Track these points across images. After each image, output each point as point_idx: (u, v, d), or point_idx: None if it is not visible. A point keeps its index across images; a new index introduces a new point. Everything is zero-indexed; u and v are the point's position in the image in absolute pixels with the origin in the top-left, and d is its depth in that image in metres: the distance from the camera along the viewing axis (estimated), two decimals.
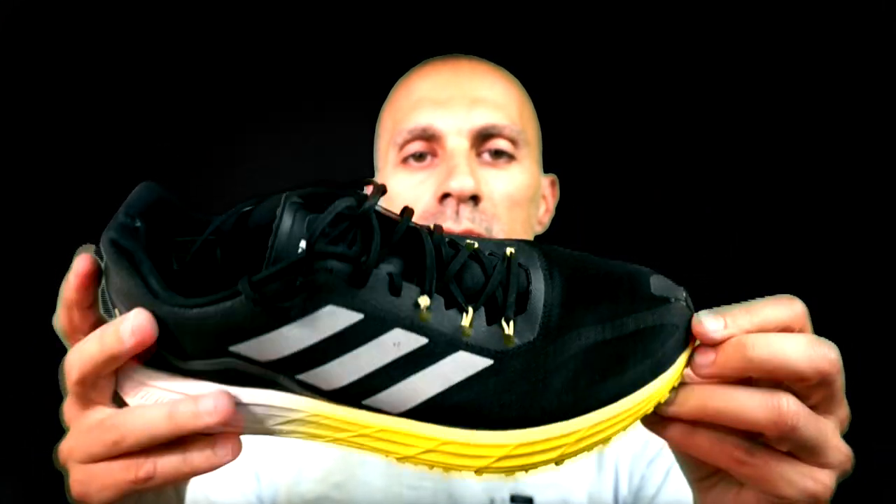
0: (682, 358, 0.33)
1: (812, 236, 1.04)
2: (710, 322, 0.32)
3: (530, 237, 0.65)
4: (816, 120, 1.05)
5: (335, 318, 0.29)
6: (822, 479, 0.32)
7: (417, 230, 0.33)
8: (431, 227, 0.34)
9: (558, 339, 0.31)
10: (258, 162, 1.01)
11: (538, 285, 0.32)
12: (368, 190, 0.32)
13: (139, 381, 0.33)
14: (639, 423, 0.62)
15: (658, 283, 0.33)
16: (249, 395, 0.32)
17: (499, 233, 0.61)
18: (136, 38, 1.05)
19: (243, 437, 0.63)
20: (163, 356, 0.32)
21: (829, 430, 0.32)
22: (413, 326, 0.30)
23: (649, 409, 0.32)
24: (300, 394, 0.32)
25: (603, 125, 1.08)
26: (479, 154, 0.62)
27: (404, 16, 1.06)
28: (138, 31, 1.04)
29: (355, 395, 0.31)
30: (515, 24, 1.07)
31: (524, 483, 0.60)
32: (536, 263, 0.33)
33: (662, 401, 0.32)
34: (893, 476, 0.79)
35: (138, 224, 0.32)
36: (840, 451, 0.32)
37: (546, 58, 1.04)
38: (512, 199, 0.62)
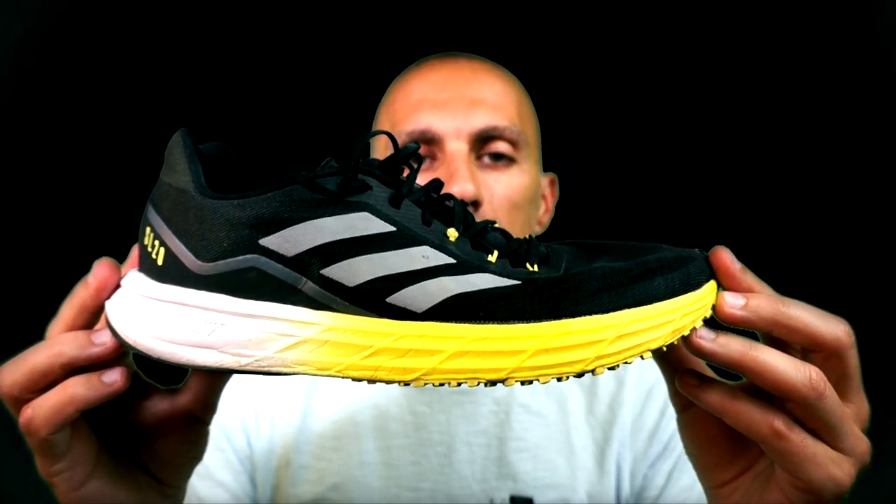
0: (710, 285, 0.33)
1: (812, 236, 1.04)
2: (731, 255, 0.33)
3: None
4: (816, 120, 1.05)
5: (369, 223, 0.31)
6: (846, 468, 0.32)
7: (447, 197, 0.34)
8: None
9: (585, 269, 0.32)
10: (252, 162, 1.01)
11: (558, 253, 0.33)
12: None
13: (141, 303, 0.32)
14: (643, 421, 0.62)
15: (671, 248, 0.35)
16: (263, 307, 0.31)
17: None
18: (135, 37, 1.04)
19: (241, 438, 0.64)
20: (180, 267, 0.32)
21: (848, 416, 0.33)
22: (442, 248, 0.31)
23: (686, 326, 0.32)
24: (318, 307, 0.31)
25: (603, 124, 1.08)
26: (478, 157, 0.61)
27: (401, 13, 1.06)
28: (138, 31, 1.04)
29: (379, 290, 0.30)
30: (515, 22, 1.07)
31: (524, 484, 0.60)
32: (554, 245, 0.35)
33: (697, 324, 0.32)
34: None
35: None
36: (861, 440, 0.33)
37: (546, 56, 1.04)
38: (512, 202, 0.61)
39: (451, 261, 0.31)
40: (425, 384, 0.31)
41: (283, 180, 0.31)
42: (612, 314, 0.31)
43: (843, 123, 1.04)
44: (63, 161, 1.04)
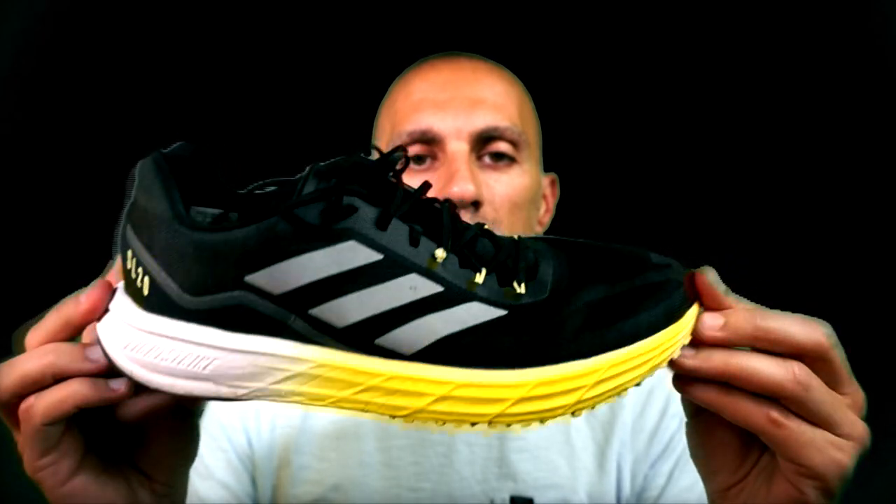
0: (692, 312, 0.33)
1: (812, 237, 1.04)
2: (715, 276, 0.34)
3: None
4: (816, 119, 1.05)
5: (356, 254, 0.30)
6: (846, 449, 0.33)
7: (435, 200, 0.34)
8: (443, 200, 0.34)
9: (570, 296, 0.32)
10: (252, 161, 1.01)
11: (546, 261, 0.34)
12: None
13: (132, 333, 0.32)
14: (643, 421, 0.62)
15: (658, 256, 0.35)
16: (253, 342, 0.31)
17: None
18: (134, 37, 1.04)
19: (242, 438, 0.64)
20: (166, 299, 0.31)
21: (841, 403, 0.33)
22: (429, 274, 0.31)
23: (664, 359, 0.33)
24: (308, 342, 0.31)
25: (603, 123, 1.08)
26: (479, 157, 0.61)
27: (403, 13, 1.06)
28: (138, 30, 1.04)
29: (368, 332, 0.31)
30: (515, 22, 1.07)
31: (525, 484, 0.60)
32: (542, 246, 0.35)
33: (675, 355, 0.33)
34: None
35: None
36: (857, 424, 0.33)
37: (547, 56, 1.04)
38: (513, 202, 0.61)
39: (439, 289, 0.31)
40: (414, 421, 0.32)
41: (265, 208, 0.30)
42: (593, 359, 0.31)
43: (843, 123, 1.04)
44: (56, 161, 1.03)
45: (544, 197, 0.70)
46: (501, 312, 0.31)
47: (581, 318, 0.32)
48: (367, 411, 0.32)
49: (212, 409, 0.67)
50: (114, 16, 1.02)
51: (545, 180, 0.70)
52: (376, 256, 0.30)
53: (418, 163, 0.62)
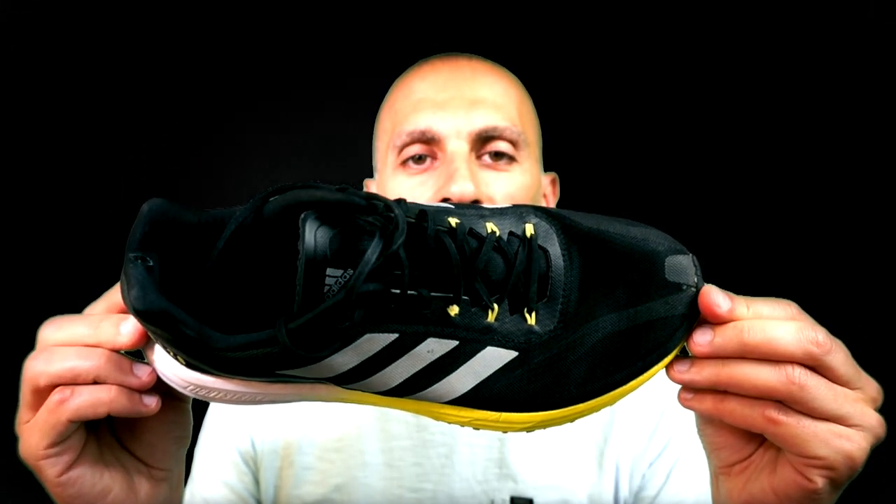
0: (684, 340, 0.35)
1: (813, 237, 1.04)
2: (718, 296, 0.34)
3: None
4: (816, 119, 1.05)
5: (373, 343, 0.31)
6: (856, 440, 0.33)
7: (441, 236, 0.33)
8: (454, 224, 0.33)
9: (577, 330, 0.33)
10: (256, 162, 1.01)
11: (558, 269, 0.34)
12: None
13: (187, 381, 0.34)
14: (642, 421, 0.62)
15: (672, 266, 0.35)
16: (300, 390, 0.35)
17: None
18: (135, 35, 1.04)
19: (245, 438, 0.64)
20: (205, 370, 0.33)
21: (847, 395, 0.33)
22: (443, 333, 0.32)
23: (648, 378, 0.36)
24: (347, 389, 0.34)
25: (604, 123, 1.08)
26: (479, 156, 0.61)
27: (403, 14, 1.06)
28: (138, 29, 1.04)
29: (398, 393, 0.34)
30: (515, 22, 1.07)
31: (524, 484, 0.60)
32: (555, 241, 0.35)
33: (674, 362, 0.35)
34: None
35: (151, 263, 0.32)
36: (867, 414, 0.33)
37: (547, 56, 1.04)
38: (513, 201, 0.61)
39: (454, 344, 0.32)
40: (439, 420, 0.36)
41: (271, 332, 0.30)
42: (591, 401, 0.35)
43: (843, 123, 1.04)
44: (55, 161, 1.03)
45: (545, 196, 0.70)
46: (513, 355, 0.33)
47: (583, 369, 0.34)
48: (403, 409, 0.36)
49: (214, 410, 0.67)
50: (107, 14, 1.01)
51: (545, 179, 0.70)
52: (392, 337, 0.31)
53: (418, 162, 0.61)
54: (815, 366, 0.32)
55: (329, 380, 0.33)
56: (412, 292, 0.31)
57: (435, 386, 0.33)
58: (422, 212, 0.33)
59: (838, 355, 0.33)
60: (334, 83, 1.07)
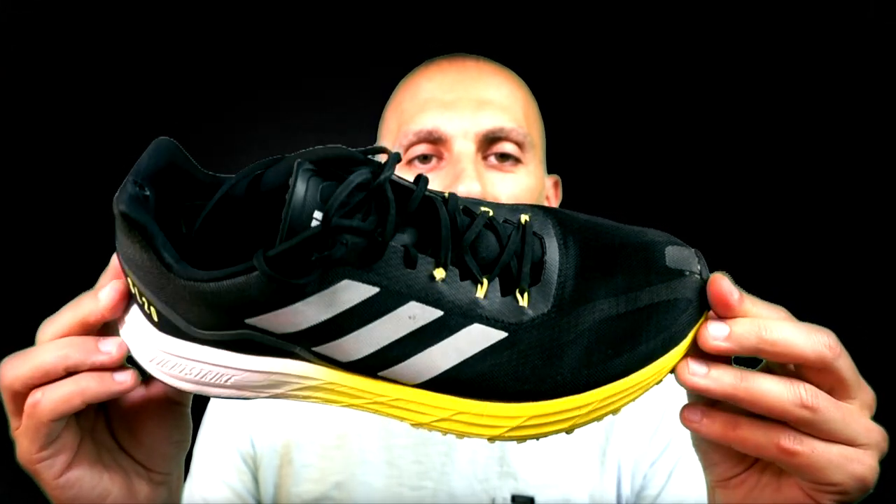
0: (694, 330, 0.33)
1: (813, 237, 1.04)
2: (731, 285, 0.32)
3: None
4: (816, 119, 1.05)
5: (351, 293, 0.29)
6: (866, 461, 0.32)
7: (432, 199, 0.32)
8: (446, 194, 0.33)
9: (572, 312, 0.31)
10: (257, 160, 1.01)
11: (553, 255, 0.33)
12: (383, 159, 0.32)
13: (155, 348, 0.33)
14: (644, 421, 0.62)
15: (673, 254, 0.33)
16: (265, 363, 0.32)
17: None
18: (136, 32, 1.04)
19: (245, 436, 0.64)
20: (176, 327, 0.32)
21: (852, 413, 0.32)
22: (428, 299, 0.30)
23: (660, 379, 0.33)
24: (316, 363, 0.32)
25: (606, 125, 1.08)
26: (485, 157, 0.61)
27: (409, 13, 1.06)
28: (139, 26, 1.04)
29: (371, 366, 0.31)
30: (519, 23, 1.07)
31: (525, 483, 0.60)
32: (551, 231, 0.34)
33: (679, 369, 0.33)
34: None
35: (147, 192, 0.31)
36: (872, 430, 0.33)
37: (550, 57, 1.04)
38: (517, 202, 0.61)
39: (439, 314, 0.30)
40: (419, 428, 0.33)
41: (249, 263, 0.29)
42: (587, 393, 0.31)
43: (843, 123, 1.04)
44: (50, 158, 1.03)
45: (547, 198, 0.70)
46: (502, 335, 0.31)
47: (579, 351, 0.31)
48: (379, 414, 0.33)
49: (214, 409, 0.67)
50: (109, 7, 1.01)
51: (549, 181, 0.70)
52: (372, 290, 0.30)
53: (424, 162, 0.62)
54: (824, 370, 0.32)
55: (301, 340, 0.30)
56: (396, 245, 0.30)
57: (413, 358, 0.31)
58: (418, 177, 0.32)
59: (846, 360, 0.32)
60: (338, 83, 1.07)
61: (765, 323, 0.32)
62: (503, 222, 0.33)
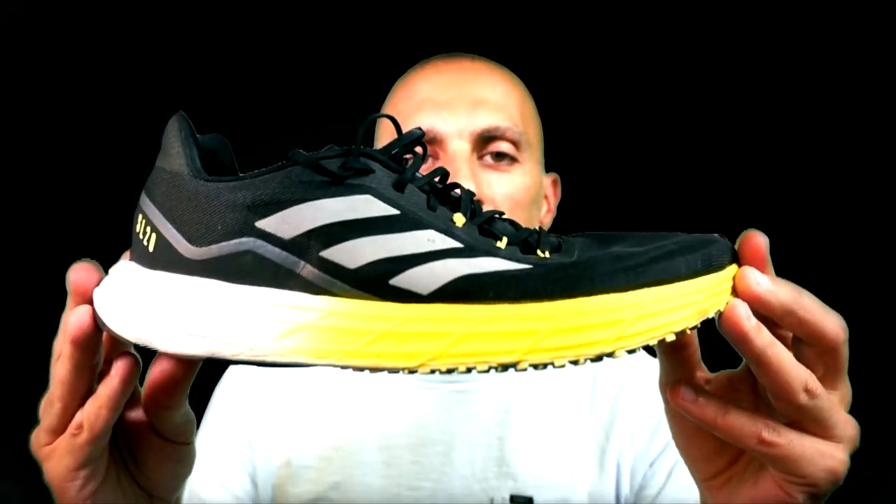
0: (732, 268, 0.31)
1: (813, 238, 1.04)
2: (765, 241, 0.32)
3: None
4: (816, 119, 1.05)
5: (371, 205, 0.30)
6: (839, 456, 0.33)
7: (455, 186, 0.33)
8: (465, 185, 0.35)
9: (601, 251, 0.30)
10: (255, 159, 1.01)
11: (569, 241, 0.32)
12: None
13: (139, 287, 0.31)
14: (643, 420, 0.62)
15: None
16: (258, 292, 0.30)
17: None
18: (136, 35, 1.04)
19: (242, 437, 0.64)
20: (172, 253, 0.31)
21: (836, 404, 0.33)
22: (448, 233, 0.30)
23: (710, 306, 0.30)
24: (317, 292, 0.29)
25: (605, 123, 1.08)
26: (480, 157, 0.61)
27: (404, 14, 1.06)
28: (139, 29, 1.04)
29: (382, 273, 0.29)
30: (516, 21, 1.07)
31: (524, 483, 0.60)
32: (566, 238, 0.33)
33: (722, 309, 0.30)
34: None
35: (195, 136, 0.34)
36: (848, 424, 0.33)
37: (548, 56, 1.04)
38: (514, 202, 0.61)
39: (458, 245, 0.30)
40: (432, 371, 0.28)
41: (283, 163, 0.30)
42: (631, 292, 0.28)
43: (844, 124, 1.04)
44: (55, 157, 1.03)
45: (546, 197, 0.70)
46: (526, 266, 0.29)
47: (614, 264, 0.29)
48: (377, 367, 0.29)
49: (213, 410, 0.68)
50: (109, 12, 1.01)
51: (547, 180, 0.70)
52: (393, 211, 0.30)
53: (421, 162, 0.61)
54: (831, 351, 0.32)
55: (312, 241, 0.29)
56: (419, 188, 0.31)
57: (432, 263, 0.29)
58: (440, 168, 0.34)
59: (846, 347, 0.33)
60: (334, 84, 1.07)
61: (799, 289, 0.32)
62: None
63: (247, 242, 0.30)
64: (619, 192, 1.06)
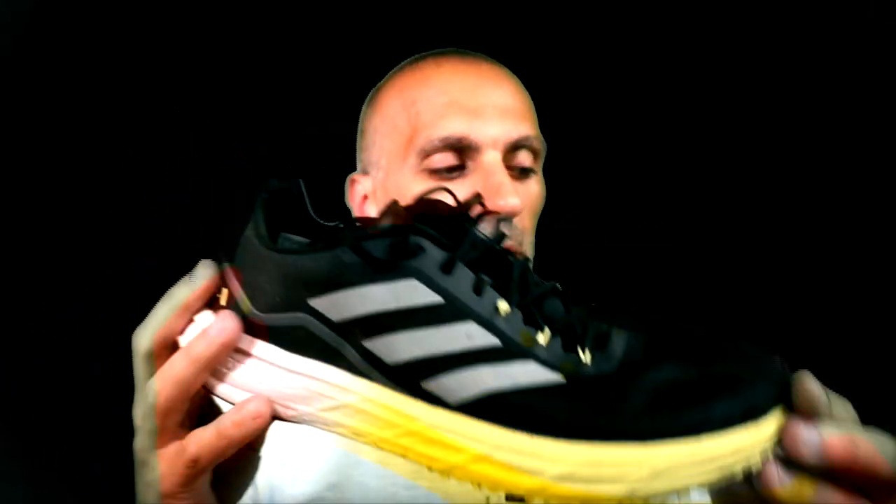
0: (775, 415, 0.29)
1: (813, 238, 1.04)
2: (815, 385, 0.29)
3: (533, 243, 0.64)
4: (816, 120, 1.05)
5: (416, 293, 0.30)
6: None
7: (509, 253, 0.33)
8: (520, 258, 0.34)
9: (638, 375, 0.29)
10: (253, 161, 1.01)
11: (619, 334, 0.31)
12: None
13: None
14: None
15: (750, 347, 0.32)
16: (309, 365, 0.32)
17: (527, 245, 0.60)
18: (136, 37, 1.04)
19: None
20: (238, 310, 0.33)
21: None
22: (489, 325, 0.30)
23: (738, 466, 0.28)
24: (359, 374, 0.31)
25: (604, 124, 1.07)
26: (507, 167, 0.59)
27: (401, 13, 1.06)
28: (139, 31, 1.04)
29: (416, 373, 0.30)
30: (514, 22, 1.07)
31: None
32: (616, 323, 0.32)
33: (756, 467, 0.29)
34: None
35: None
36: None
37: (546, 55, 1.04)
38: (533, 211, 0.61)
39: (496, 343, 0.30)
40: (450, 478, 0.30)
41: (333, 238, 0.31)
42: (651, 445, 0.27)
43: (844, 124, 1.04)
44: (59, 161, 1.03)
45: None
46: (559, 379, 0.29)
47: (646, 398, 0.28)
48: (405, 456, 0.31)
49: None
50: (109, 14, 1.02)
51: None
52: (436, 299, 0.30)
53: (450, 172, 0.59)
54: (886, 486, 0.29)
55: (355, 329, 0.30)
56: (468, 270, 0.31)
57: (462, 372, 0.29)
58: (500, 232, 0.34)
59: None
60: (333, 83, 1.06)
61: (858, 441, 0.29)
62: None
63: (301, 318, 0.32)
64: (618, 192, 1.06)
